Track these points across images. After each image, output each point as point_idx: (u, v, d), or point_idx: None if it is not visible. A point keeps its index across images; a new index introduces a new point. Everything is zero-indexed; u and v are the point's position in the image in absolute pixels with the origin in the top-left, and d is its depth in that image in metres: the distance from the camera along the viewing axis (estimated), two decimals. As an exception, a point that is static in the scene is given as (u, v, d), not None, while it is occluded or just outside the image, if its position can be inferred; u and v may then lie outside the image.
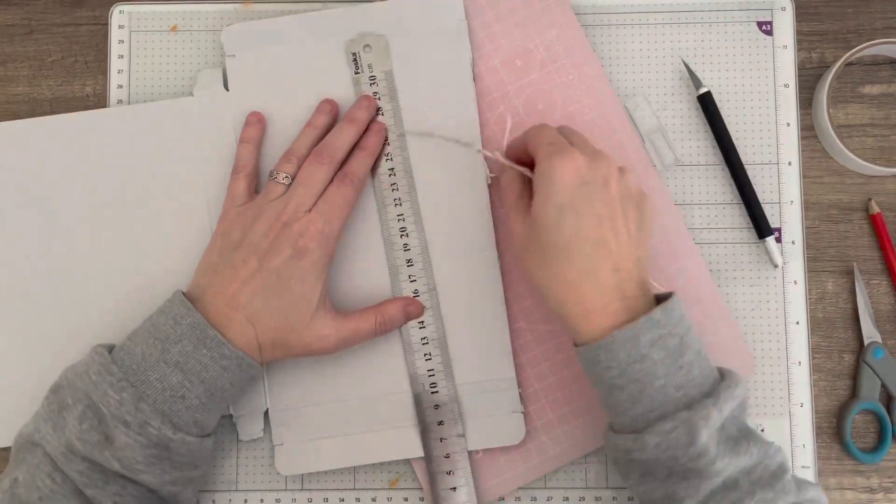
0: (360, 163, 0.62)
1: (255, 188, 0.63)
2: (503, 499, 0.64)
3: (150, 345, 0.56)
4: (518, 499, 0.64)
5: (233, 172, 0.63)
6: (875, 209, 0.66)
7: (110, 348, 0.57)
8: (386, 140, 0.64)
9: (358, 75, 0.65)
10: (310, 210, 0.59)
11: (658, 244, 0.64)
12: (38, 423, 0.55)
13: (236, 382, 0.57)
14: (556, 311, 0.55)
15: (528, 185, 0.59)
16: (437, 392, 0.63)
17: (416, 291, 0.63)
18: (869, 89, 0.68)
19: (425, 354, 0.63)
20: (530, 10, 0.66)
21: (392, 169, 0.64)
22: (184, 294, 0.58)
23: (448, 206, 0.64)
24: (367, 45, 0.65)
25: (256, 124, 0.64)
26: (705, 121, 0.67)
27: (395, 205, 0.64)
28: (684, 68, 0.67)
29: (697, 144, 0.67)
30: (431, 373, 0.63)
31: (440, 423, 0.63)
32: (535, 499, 0.64)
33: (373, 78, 0.65)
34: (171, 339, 0.56)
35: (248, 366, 0.57)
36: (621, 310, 0.53)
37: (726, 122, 0.66)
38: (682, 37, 0.68)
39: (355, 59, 0.65)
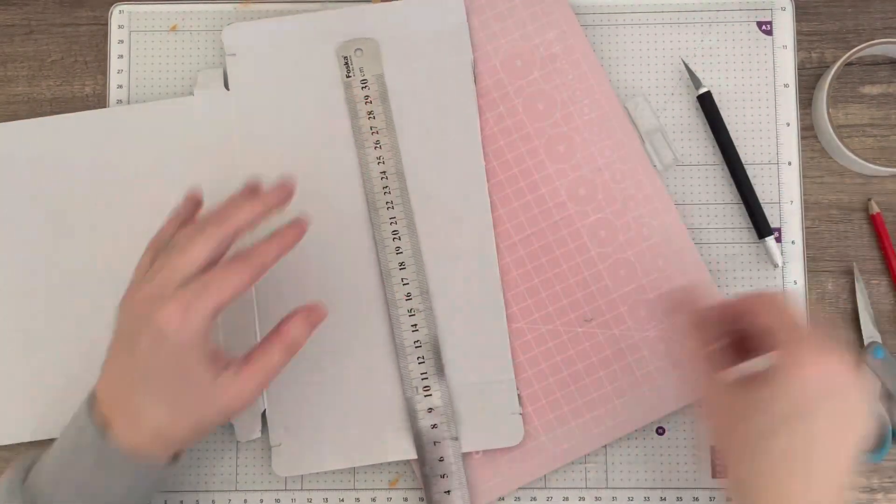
0: (268, 250, 0.52)
1: None
2: (503, 499, 0.64)
3: (57, 459, 0.52)
4: (518, 499, 0.64)
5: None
6: (875, 209, 0.66)
7: (30, 465, 0.53)
8: (377, 144, 0.64)
9: (349, 79, 0.65)
10: (184, 285, 0.50)
11: (658, 244, 0.64)
12: None
13: (146, 492, 0.53)
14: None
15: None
16: (430, 395, 0.63)
17: (408, 294, 0.63)
18: (869, 89, 0.68)
19: (418, 358, 0.63)
20: (530, 10, 0.66)
21: (384, 172, 0.64)
22: (92, 390, 0.53)
23: (444, 209, 0.64)
24: (359, 49, 0.65)
25: (191, 203, 0.57)
26: (705, 121, 0.67)
27: (388, 208, 0.64)
28: (684, 68, 0.67)
29: (697, 144, 0.67)
30: (424, 376, 0.63)
31: (433, 426, 0.62)
32: (534, 499, 0.64)
33: (364, 82, 0.65)
34: (74, 458, 0.51)
35: (157, 476, 0.53)
36: None
37: (726, 122, 0.66)
38: (682, 37, 0.68)
39: (346, 63, 0.65)
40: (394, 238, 0.64)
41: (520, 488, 0.64)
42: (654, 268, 0.64)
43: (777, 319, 0.50)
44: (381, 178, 0.64)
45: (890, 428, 0.64)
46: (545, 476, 0.64)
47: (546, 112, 0.66)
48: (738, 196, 0.66)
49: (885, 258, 0.66)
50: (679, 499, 0.64)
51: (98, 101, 0.69)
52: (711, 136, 0.67)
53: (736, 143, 0.66)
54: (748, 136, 0.67)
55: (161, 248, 0.53)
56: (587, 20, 0.68)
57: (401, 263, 0.64)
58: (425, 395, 0.63)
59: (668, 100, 0.67)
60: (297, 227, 0.54)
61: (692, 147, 0.67)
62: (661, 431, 0.65)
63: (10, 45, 0.69)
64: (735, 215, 0.66)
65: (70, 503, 0.51)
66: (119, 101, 0.68)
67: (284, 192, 0.54)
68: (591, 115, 0.66)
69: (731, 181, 0.66)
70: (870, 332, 0.65)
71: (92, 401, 0.52)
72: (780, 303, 0.51)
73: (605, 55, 0.68)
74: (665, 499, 0.64)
